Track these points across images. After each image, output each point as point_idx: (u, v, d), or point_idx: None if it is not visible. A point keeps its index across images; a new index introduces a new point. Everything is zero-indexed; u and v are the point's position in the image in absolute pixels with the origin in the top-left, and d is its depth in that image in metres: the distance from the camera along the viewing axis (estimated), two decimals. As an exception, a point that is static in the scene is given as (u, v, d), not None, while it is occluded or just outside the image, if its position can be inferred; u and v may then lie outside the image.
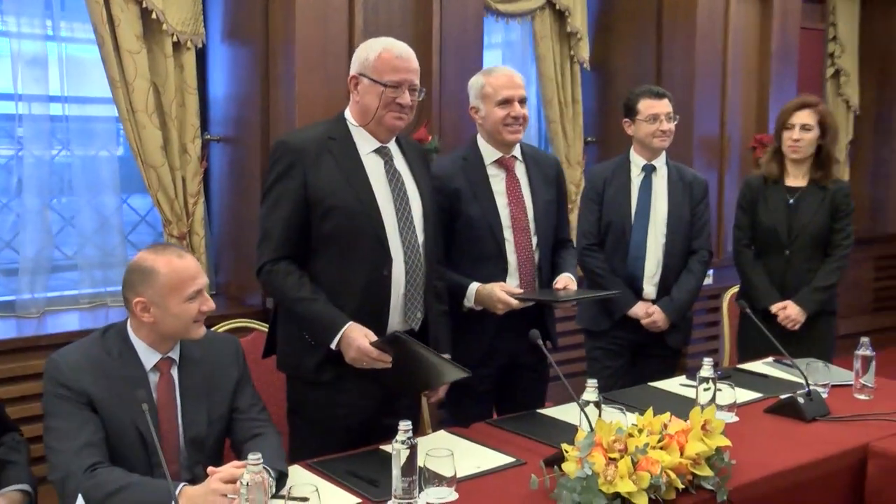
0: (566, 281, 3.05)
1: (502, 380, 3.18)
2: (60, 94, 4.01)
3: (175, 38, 4.02)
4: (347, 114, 2.73)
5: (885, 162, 7.30)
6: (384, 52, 2.65)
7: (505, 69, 3.13)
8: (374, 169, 2.68)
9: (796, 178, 3.77)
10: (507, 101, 3.01)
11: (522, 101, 3.04)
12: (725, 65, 5.24)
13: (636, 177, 3.63)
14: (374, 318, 2.62)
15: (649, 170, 3.62)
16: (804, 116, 3.69)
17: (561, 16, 5.15)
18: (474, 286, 2.98)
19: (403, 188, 2.71)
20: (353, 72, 2.70)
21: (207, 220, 4.29)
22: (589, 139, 5.52)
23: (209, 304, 2.29)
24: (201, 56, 4.24)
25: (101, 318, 3.92)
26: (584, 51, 5.24)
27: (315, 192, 2.59)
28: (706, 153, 5.21)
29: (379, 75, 2.63)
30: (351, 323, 2.56)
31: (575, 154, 5.27)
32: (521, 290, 3.01)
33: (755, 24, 5.44)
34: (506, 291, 2.93)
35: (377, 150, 2.70)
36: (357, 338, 2.54)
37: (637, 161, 3.64)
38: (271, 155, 2.70)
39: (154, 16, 3.92)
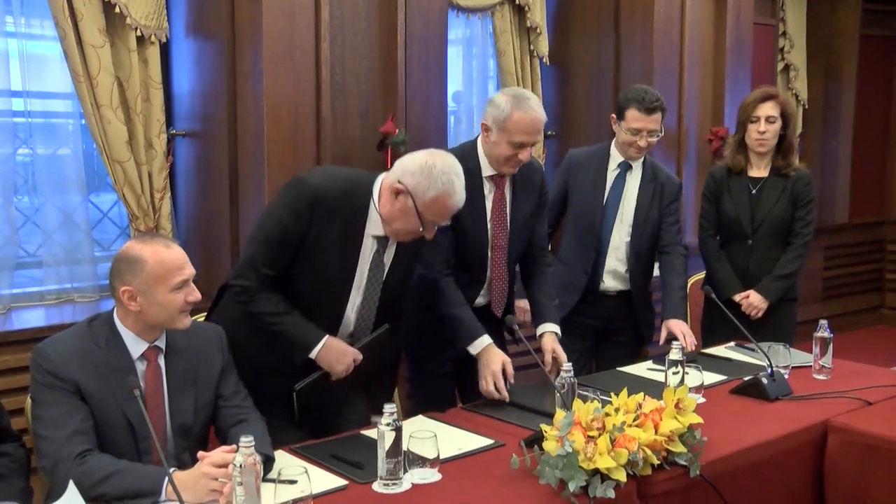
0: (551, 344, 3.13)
1: (465, 364, 3.18)
2: (22, 90, 3.96)
3: (139, 33, 3.99)
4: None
5: (832, 154, 7.46)
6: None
7: (534, 107, 2.98)
8: (366, 251, 2.73)
9: (758, 169, 3.81)
10: (521, 145, 2.98)
11: (534, 144, 3.03)
12: (682, 59, 5.31)
13: (612, 171, 3.63)
14: None
15: (625, 167, 3.62)
16: (768, 108, 3.71)
17: (520, 11, 5.22)
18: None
19: (380, 279, 2.77)
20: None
21: (174, 215, 4.28)
22: (549, 133, 5.57)
23: (195, 295, 2.30)
24: (165, 50, 4.22)
25: (68, 314, 3.90)
26: (543, 45, 5.31)
27: (308, 246, 2.65)
28: (665, 145, 5.27)
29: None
30: (328, 335, 2.71)
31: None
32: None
33: (710, 19, 5.51)
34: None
35: (376, 238, 2.73)
36: (341, 342, 2.72)
37: (615, 157, 3.63)
38: (291, 187, 2.68)
39: (117, 10, 3.89)
